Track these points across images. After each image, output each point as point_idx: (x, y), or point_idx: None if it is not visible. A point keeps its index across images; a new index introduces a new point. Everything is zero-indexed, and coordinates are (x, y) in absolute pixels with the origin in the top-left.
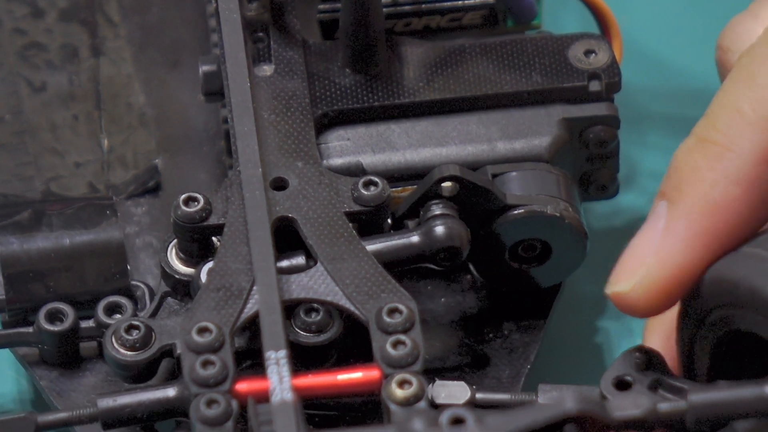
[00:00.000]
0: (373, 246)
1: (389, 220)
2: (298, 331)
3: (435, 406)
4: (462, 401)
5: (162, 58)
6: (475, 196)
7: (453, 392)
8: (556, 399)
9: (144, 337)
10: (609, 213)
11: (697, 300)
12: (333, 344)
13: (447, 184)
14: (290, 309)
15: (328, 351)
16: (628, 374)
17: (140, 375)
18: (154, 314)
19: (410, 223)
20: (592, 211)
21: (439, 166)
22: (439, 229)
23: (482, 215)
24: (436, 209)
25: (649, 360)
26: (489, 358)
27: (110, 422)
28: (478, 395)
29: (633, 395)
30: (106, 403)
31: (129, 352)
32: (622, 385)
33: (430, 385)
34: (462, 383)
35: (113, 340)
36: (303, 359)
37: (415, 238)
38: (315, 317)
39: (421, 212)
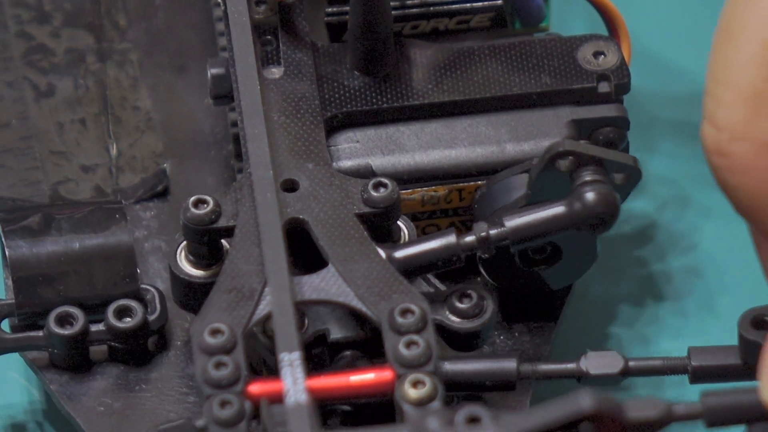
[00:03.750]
0: (523, 218)
1: None
2: (451, 316)
3: (579, 378)
4: (616, 371)
5: (169, 62)
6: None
7: (606, 361)
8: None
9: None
10: (619, 219)
11: None
12: (485, 329)
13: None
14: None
15: (480, 336)
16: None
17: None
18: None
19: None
20: None
21: (625, 155)
22: (590, 195)
23: None
24: (589, 175)
25: None
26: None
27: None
28: (631, 363)
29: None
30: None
31: None
32: (757, 323)
33: (582, 357)
34: (614, 352)
35: None
36: (455, 345)
37: (562, 208)
38: (468, 303)
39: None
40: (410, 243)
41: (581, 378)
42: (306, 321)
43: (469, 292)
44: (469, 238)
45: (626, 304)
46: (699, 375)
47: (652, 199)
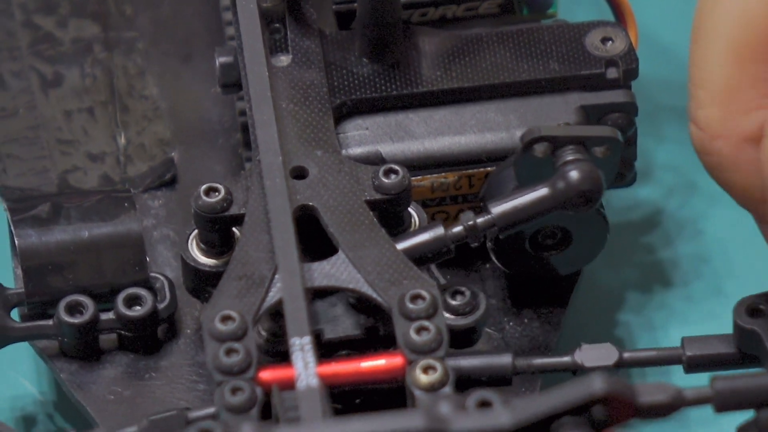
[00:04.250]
0: (508, 204)
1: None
2: (445, 314)
3: (575, 371)
4: (611, 362)
5: (175, 51)
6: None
7: (600, 353)
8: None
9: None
10: (626, 206)
11: None
12: (479, 325)
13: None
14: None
15: (474, 332)
16: (764, 305)
17: None
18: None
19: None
20: (609, 204)
21: (600, 127)
22: (574, 173)
23: None
24: (571, 155)
25: None
26: (509, 346)
27: None
28: (625, 354)
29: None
30: None
31: None
32: (752, 312)
33: (577, 350)
34: (608, 344)
35: None
36: (451, 343)
37: (545, 190)
38: (461, 300)
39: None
40: (398, 238)
41: (576, 371)
42: None
43: (461, 289)
44: (457, 229)
45: (634, 290)
46: (694, 364)
47: (658, 186)
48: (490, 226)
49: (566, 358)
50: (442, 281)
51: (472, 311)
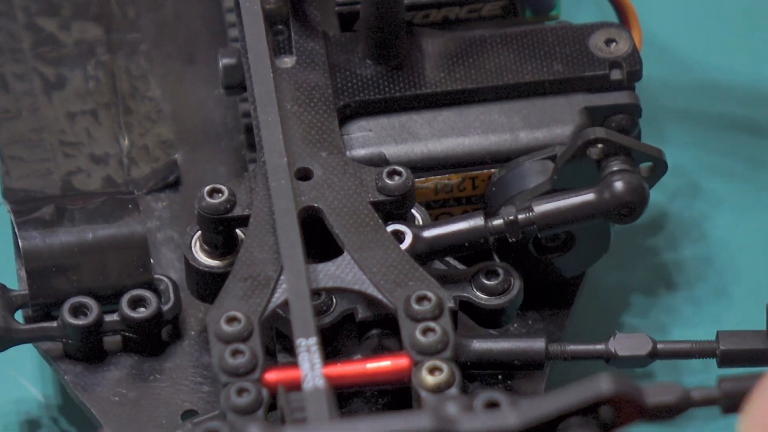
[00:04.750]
0: (551, 204)
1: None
2: (478, 293)
3: (608, 360)
4: (645, 353)
5: (178, 53)
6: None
7: (635, 343)
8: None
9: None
10: None
11: None
12: (511, 307)
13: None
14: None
15: (504, 313)
16: None
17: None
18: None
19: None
20: None
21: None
22: (619, 184)
23: None
24: (617, 165)
25: None
26: None
27: None
28: (659, 345)
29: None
30: None
31: None
32: None
33: (611, 338)
34: (644, 334)
35: None
36: (482, 321)
37: (591, 195)
38: (495, 279)
39: (604, 164)
40: (438, 223)
41: (609, 359)
42: (334, 300)
43: (495, 268)
44: (497, 221)
45: (639, 293)
46: (727, 359)
47: (663, 189)
48: (529, 224)
49: (600, 346)
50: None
51: (504, 292)
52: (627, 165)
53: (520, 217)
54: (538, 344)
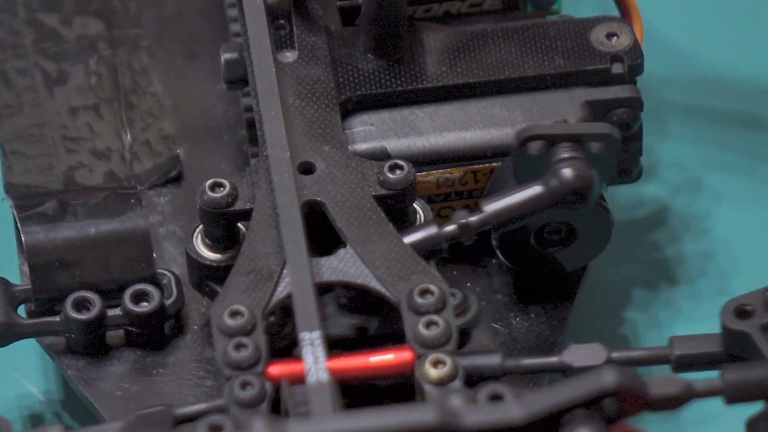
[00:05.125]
0: (502, 202)
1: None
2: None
3: (564, 371)
4: (600, 362)
5: (179, 48)
6: (605, 162)
7: (589, 353)
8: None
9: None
10: (631, 204)
11: None
12: (472, 327)
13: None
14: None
15: (466, 334)
16: (752, 305)
17: None
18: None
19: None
20: (614, 201)
21: (598, 124)
22: (567, 171)
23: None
24: (565, 152)
25: None
26: (516, 341)
27: None
28: (614, 354)
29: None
30: None
31: None
32: (741, 313)
33: (566, 350)
34: (597, 344)
35: None
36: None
37: (539, 187)
38: (453, 301)
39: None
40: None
41: (565, 371)
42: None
43: (453, 290)
44: (450, 227)
45: (640, 288)
46: (682, 364)
47: (664, 184)
48: (482, 225)
49: (554, 359)
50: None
51: (462, 314)
52: (573, 152)
53: (471, 219)
54: (494, 359)
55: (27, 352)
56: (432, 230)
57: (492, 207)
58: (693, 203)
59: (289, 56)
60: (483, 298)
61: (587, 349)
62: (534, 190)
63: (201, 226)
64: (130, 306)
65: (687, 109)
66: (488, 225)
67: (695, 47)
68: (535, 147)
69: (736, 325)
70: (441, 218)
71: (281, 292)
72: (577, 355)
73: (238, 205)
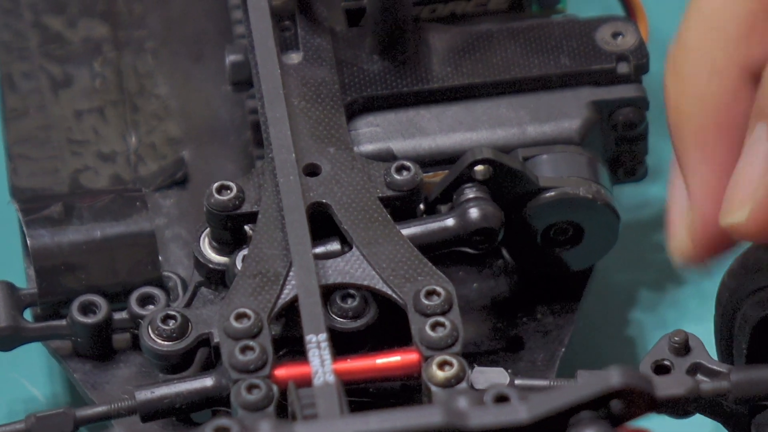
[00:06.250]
0: (408, 230)
1: (421, 206)
2: (335, 317)
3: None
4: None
5: (185, 50)
6: (508, 179)
7: (492, 378)
8: (604, 374)
9: (180, 326)
10: (637, 204)
11: (744, 277)
12: (369, 330)
13: (480, 167)
14: (326, 295)
15: (364, 337)
16: (667, 359)
17: (177, 365)
18: (188, 304)
19: (443, 208)
20: (619, 202)
21: (472, 149)
22: (473, 212)
23: (515, 198)
24: (470, 192)
25: (686, 344)
26: (523, 341)
27: (149, 414)
28: (517, 381)
29: (673, 377)
30: (144, 395)
31: (166, 342)
32: (660, 369)
33: (469, 371)
34: (501, 369)
35: (149, 330)
36: (339, 345)
37: (450, 221)
38: (351, 303)
39: (454, 196)
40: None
41: None
42: (190, 326)
43: (352, 293)
44: None
45: (647, 289)
46: None
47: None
48: None
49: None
50: None
51: (360, 316)
52: (481, 192)
53: None
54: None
55: (33, 356)
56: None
57: (406, 232)
58: None
59: (294, 58)
60: (489, 298)
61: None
62: (444, 223)
63: (207, 229)
64: (136, 309)
65: None
66: None
67: None
68: (481, 172)
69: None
70: None
71: (287, 294)
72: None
73: (245, 208)
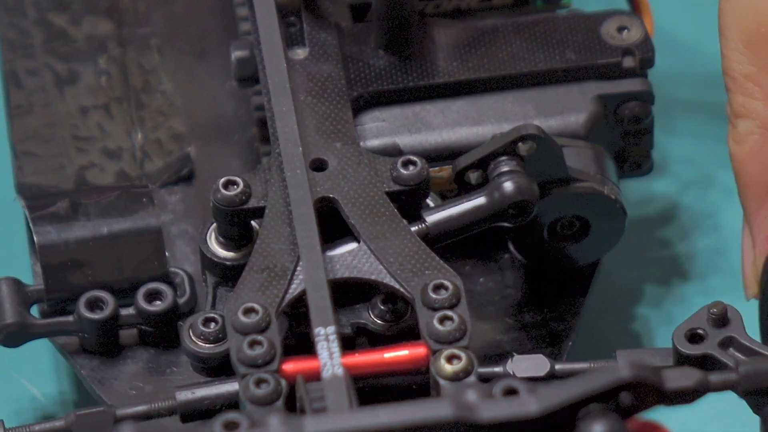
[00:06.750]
0: (443, 213)
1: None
2: (375, 319)
3: (485, 380)
4: (543, 373)
5: (189, 47)
6: (546, 160)
7: (532, 365)
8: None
9: (222, 329)
10: (642, 200)
11: None
12: (407, 332)
13: (526, 143)
14: (335, 289)
15: (403, 339)
16: (702, 328)
17: (218, 367)
18: (212, 305)
19: (472, 177)
20: (625, 198)
21: (519, 126)
22: (509, 185)
23: (543, 182)
24: (506, 165)
25: (725, 316)
26: (530, 335)
27: (189, 414)
28: (557, 366)
29: (685, 369)
30: (185, 395)
31: (207, 345)
32: (694, 338)
33: (509, 360)
34: (541, 356)
35: (191, 333)
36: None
37: (482, 200)
38: (391, 306)
39: (491, 165)
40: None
41: None
42: None
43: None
44: None
45: (652, 284)
46: None
47: (674, 180)
48: (423, 235)
49: (498, 368)
50: None
51: (401, 318)
52: (514, 166)
53: (413, 229)
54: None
55: (39, 353)
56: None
57: (434, 217)
58: (703, 199)
59: (300, 53)
60: (496, 292)
61: (531, 360)
62: (477, 201)
63: (214, 225)
64: (143, 305)
65: (697, 105)
66: (429, 235)
67: (705, 44)
68: (525, 148)
69: (687, 348)
70: None
71: (295, 289)
72: (520, 366)
73: (252, 203)
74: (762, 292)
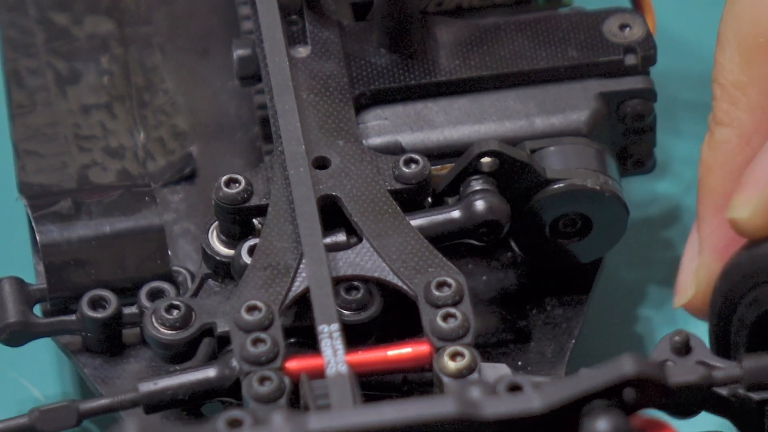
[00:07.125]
0: (414, 222)
1: (429, 198)
2: (339, 309)
3: None
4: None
5: (191, 46)
6: (515, 171)
7: (494, 373)
8: (617, 362)
9: (184, 316)
10: (645, 201)
11: (739, 277)
12: (374, 322)
13: (486, 159)
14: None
15: (369, 329)
16: (668, 359)
17: (181, 354)
18: (194, 295)
19: (450, 201)
20: (627, 198)
21: (478, 141)
22: (479, 204)
23: (522, 190)
24: (476, 184)
25: (687, 344)
26: (532, 333)
27: (152, 406)
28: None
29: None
30: (147, 387)
31: (169, 332)
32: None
33: (480, 362)
34: (503, 365)
35: (153, 319)
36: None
37: (456, 213)
38: (356, 295)
39: (462, 188)
40: None
41: None
42: (194, 316)
43: (356, 284)
44: None
45: (655, 285)
46: None
47: (677, 181)
48: None
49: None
50: None
51: (365, 308)
52: (487, 185)
53: None
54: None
55: (40, 355)
56: None
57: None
58: None
59: (302, 51)
60: (498, 290)
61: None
62: (449, 215)
63: (216, 222)
64: (146, 303)
65: (699, 105)
66: None
67: (707, 42)
68: (487, 164)
69: None
70: None
71: (298, 286)
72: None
73: (254, 201)
74: (711, 307)
